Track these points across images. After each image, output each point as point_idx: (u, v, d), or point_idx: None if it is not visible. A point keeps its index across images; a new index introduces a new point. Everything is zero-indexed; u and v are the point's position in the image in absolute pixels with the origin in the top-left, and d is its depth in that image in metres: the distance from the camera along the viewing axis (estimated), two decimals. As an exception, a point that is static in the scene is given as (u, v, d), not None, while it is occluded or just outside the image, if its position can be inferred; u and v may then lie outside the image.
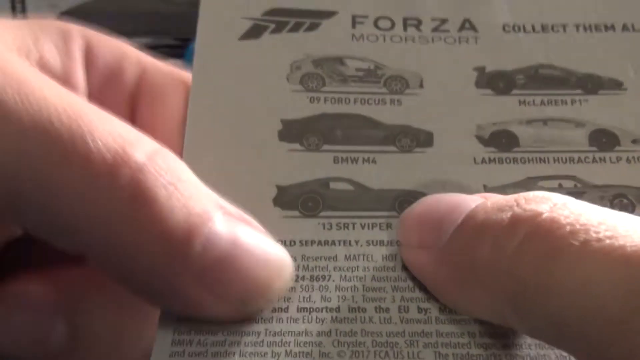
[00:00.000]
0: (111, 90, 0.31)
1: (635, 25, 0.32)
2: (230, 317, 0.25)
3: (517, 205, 0.23)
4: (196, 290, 0.24)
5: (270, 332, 0.25)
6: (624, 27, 0.32)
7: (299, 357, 0.24)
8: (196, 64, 0.30)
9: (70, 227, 0.24)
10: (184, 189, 0.24)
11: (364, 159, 0.29)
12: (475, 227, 0.24)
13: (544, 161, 0.29)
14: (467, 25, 0.32)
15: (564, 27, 0.32)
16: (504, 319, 0.23)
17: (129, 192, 0.23)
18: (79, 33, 0.31)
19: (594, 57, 0.31)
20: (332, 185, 0.28)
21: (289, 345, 0.24)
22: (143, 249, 0.23)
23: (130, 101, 0.32)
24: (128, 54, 0.32)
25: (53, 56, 0.29)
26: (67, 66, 0.30)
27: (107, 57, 0.31)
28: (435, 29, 0.32)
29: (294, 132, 0.29)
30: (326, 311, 0.25)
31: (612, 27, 0.32)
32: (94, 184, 0.23)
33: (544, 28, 0.32)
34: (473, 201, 0.25)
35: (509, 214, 0.23)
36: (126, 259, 0.24)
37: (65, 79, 0.29)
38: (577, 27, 0.32)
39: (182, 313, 0.25)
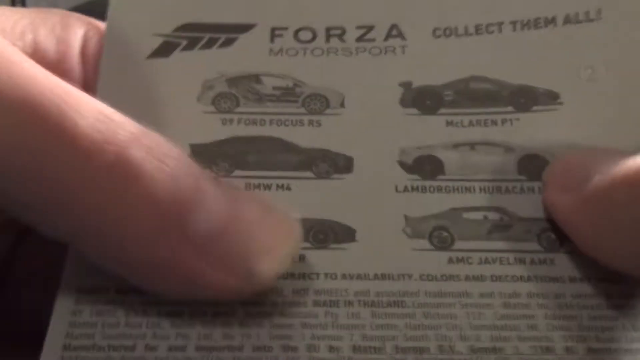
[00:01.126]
0: None
1: (579, 15, 0.29)
2: (240, 290, 0.23)
3: None
4: (197, 262, 0.23)
5: None
6: (566, 19, 0.29)
7: None
8: (100, 85, 0.28)
9: (56, 207, 0.23)
10: (172, 163, 0.23)
11: (277, 185, 0.27)
12: (635, 184, 0.23)
13: (470, 190, 0.27)
14: (394, 32, 0.30)
15: (500, 26, 0.30)
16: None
17: (116, 168, 0.23)
18: (79, 21, 0.30)
19: (530, 63, 0.29)
20: None
21: None
22: (136, 226, 0.23)
23: None
24: None
25: (49, 41, 0.28)
26: (63, 52, 0.29)
27: None
28: (359, 38, 0.30)
29: (204, 157, 0.27)
30: (228, 350, 0.23)
31: (553, 21, 0.29)
32: (81, 161, 0.22)
33: (477, 29, 0.30)
34: (625, 155, 0.24)
35: None
36: (118, 238, 0.23)
37: (58, 65, 0.28)
38: (514, 25, 0.29)
39: (186, 292, 0.24)
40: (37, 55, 0.27)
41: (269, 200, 0.25)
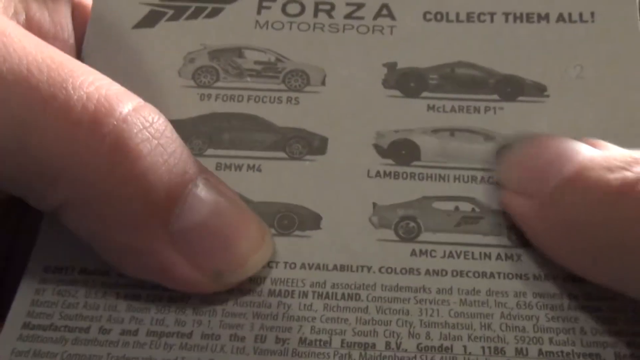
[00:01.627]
0: None
1: (572, 16, 0.29)
2: (204, 287, 0.24)
3: (629, 167, 0.22)
4: (171, 254, 0.23)
5: (115, 356, 0.23)
6: (560, 18, 0.29)
7: None
8: (83, 55, 0.28)
9: (47, 176, 0.23)
10: (167, 144, 0.23)
11: (248, 166, 0.27)
12: (582, 186, 0.23)
13: (444, 179, 0.26)
14: (384, 11, 0.29)
15: (492, 16, 0.29)
16: (601, 277, 0.23)
17: (110, 142, 0.22)
18: None
19: (519, 54, 0.28)
20: None
21: None
22: (121, 204, 0.23)
23: None
24: None
25: (42, 14, 0.28)
26: (56, 23, 0.29)
27: None
28: (348, 15, 0.29)
29: (179, 134, 0.27)
30: (177, 336, 0.24)
31: (546, 18, 0.29)
32: (74, 132, 0.22)
33: (469, 17, 0.29)
34: (578, 152, 0.24)
35: (619, 178, 0.22)
36: (102, 214, 0.23)
37: (55, 36, 0.28)
38: (507, 16, 0.29)
39: (153, 278, 0.24)
40: (32, 29, 0.27)
41: (245, 204, 0.25)
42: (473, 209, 0.26)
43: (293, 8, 0.29)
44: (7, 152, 0.23)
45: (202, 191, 0.24)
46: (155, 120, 0.24)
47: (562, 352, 0.23)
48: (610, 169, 0.22)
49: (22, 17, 0.27)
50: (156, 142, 0.23)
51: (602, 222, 0.22)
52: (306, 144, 0.27)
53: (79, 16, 0.29)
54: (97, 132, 0.22)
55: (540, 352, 0.23)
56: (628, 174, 0.22)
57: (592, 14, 0.29)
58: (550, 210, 0.24)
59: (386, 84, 0.28)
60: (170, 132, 0.24)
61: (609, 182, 0.22)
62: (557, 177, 0.23)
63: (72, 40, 0.29)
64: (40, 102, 0.22)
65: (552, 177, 0.24)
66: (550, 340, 0.23)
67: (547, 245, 0.24)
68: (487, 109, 0.27)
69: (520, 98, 0.27)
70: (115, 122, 0.23)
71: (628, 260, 0.22)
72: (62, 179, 0.23)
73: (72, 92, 0.23)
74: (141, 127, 0.23)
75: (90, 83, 0.23)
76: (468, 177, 0.26)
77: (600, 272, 0.23)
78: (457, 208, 0.26)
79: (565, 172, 0.23)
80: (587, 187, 0.23)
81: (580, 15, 0.29)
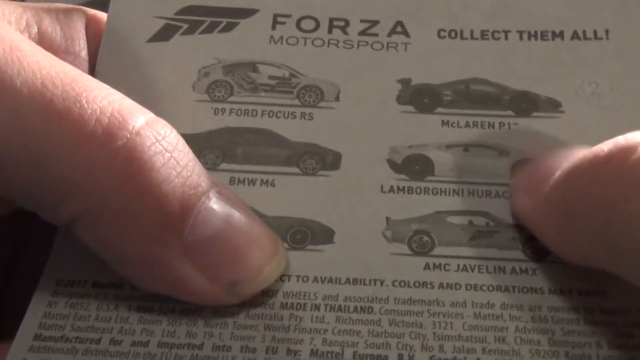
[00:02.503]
0: None
1: (587, 33, 0.29)
2: (217, 299, 0.24)
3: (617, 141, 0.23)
4: (185, 266, 0.23)
5: None
6: (574, 35, 0.29)
7: None
8: (97, 68, 0.28)
9: (60, 189, 0.23)
10: (180, 158, 0.23)
11: (262, 180, 0.27)
12: (573, 172, 0.23)
13: (457, 193, 0.26)
14: (398, 28, 0.29)
15: (506, 34, 0.29)
16: (598, 261, 0.23)
17: (123, 155, 0.23)
18: (81, 11, 0.30)
19: (534, 70, 0.28)
20: None
21: None
22: (135, 216, 0.23)
23: None
24: None
25: (54, 29, 0.28)
26: (69, 38, 0.29)
27: None
28: (363, 32, 0.29)
29: (193, 148, 0.27)
30: (188, 348, 0.24)
31: (561, 35, 0.29)
32: (88, 145, 0.23)
33: (483, 35, 0.29)
34: (579, 151, 0.24)
35: (606, 148, 0.23)
36: (115, 226, 0.23)
37: (66, 50, 0.29)
38: (521, 34, 0.29)
39: (168, 291, 0.24)
40: (44, 44, 0.27)
41: (257, 216, 0.25)
42: (487, 223, 0.26)
43: (307, 24, 0.29)
44: (21, 164, 0.23)
45: (215, 204, 0.24)
46: (168, 134, 0.24)
47: None
48: (601, 149, 0.23)
49: (34, 30, 0.28)
50: (169, 155, 0.23)
51: (592, 191, 0.22)
52: (320, 160, 0.27)
53: (93, 30, 0.29)
54: (110, 145, 0.23)
55: None
56: (617, 143, 0.22)
57: (607, 31, 0.29)
58: (554, 202, 0.24)
59: (400, 99, 0.28)
60: (182, 145, 0.24)
61: (598, 154, 0.22)
62: (562, 171, 0.24)
63: (84, 54, 0.29)
64: (54, 115, 0.23)
65: (553, 173, 0.24)
66: (566, 354, 0.23)
67: (553, 239, 0.24)
68: (501, 125, 0.27)
69: (534, 114, 0.27)
70: (128, 135, 0.23)
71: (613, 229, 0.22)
72: (76, 191, 0.23)
73: (85, 106, 0.23)
74: (154, 140, 0.23)
75: (103, 97, 0.23)
76: (482, 191, 0.26)
77: (595, 254, 0.23)
78: (471, 222, 0.26)
79: (567, 164, 0.24)
80: (576, 170, 0.23)
81: (595, 32, 0.29)
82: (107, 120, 0.23)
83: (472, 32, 0.29)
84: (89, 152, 0.23)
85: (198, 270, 0.23)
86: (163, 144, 0.23)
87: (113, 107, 0.23)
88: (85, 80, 0.24)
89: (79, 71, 0.24)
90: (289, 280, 0.25)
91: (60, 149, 0.23)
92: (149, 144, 0.23)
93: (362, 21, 0.29)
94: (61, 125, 0.23)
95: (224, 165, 0.27)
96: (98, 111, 0.23)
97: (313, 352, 0.23)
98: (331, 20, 0.29)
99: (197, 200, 0.23)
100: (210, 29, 0.29)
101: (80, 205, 0.23)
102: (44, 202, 0.24)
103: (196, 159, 0.24)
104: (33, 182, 0.23)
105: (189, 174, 0.24)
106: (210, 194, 0.24)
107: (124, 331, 0.24)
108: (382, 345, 0.24)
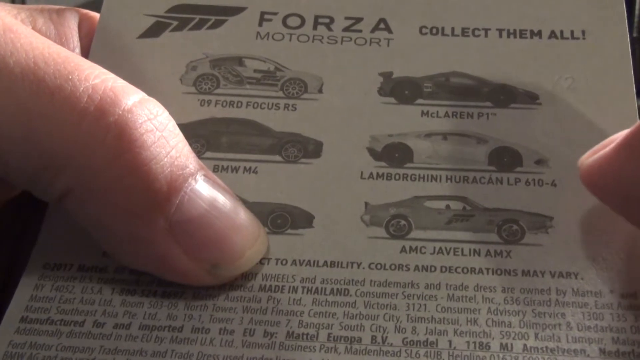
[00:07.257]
0: None
1: (564, 33, 0.29)
2: (199, 279, 0.24)
3: None
4: (170, 245, 0.24)
5: (107, 349, 0.24)
6: (552, 34, 0.29)
7: None
8: None
9: (52, 165, 0.24)
10: (170, 137, 0.24)
11: (245, 168, 0.27)
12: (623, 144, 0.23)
13: (435, 179, 0.27)
14: (381, 25, 0.30)
15: (486, 31, 0.30)
16: None
17: (115, 131, 0.23)
18: (74, 10, 0.31)
19: (512, 66, 0.29)
20: None
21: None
22: (124, 192, 0.23)
23: None
24: None
25: (47, 27, 0.29)
26: (63, 35, 0.30)
27: None
28: (346, 29, 0.30)
29: None
30: (168, 330, 0.24)
31: (539, 34, 0.29)
32: (80, 121, 0.23)
33: (464, 32, 0.30)
34: None
35: None
36: (105, 202, 0.24)
37: (59, 43, 0.29)
38: (500, 32, 0.30)
39: (151, 269, 0.25)
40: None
41: (242, 204, 0.25)
42: (464, 207, 0.26)
43: (293, 21, 0.30)
44: (14, 141, 0.23)
45: (201, 186, 0.24)
46: (160, 114, 0.24)
47: (546, 347, 0.23)
48: None
49: (28, 24, 0.28)
50: (160, 134, 0.24)
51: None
52: (302, 148, 0.28)
53: (85, 28, 0.30)
54: (102, 121, 0.23)
55: (525, 347, 0.23)
56: None
57: (583, 32, 0.29)
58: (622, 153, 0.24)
59: (381, 91, 0.29)
60: (173, 126, 0.25)
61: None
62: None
63: (77, 51, 0.30)
64: (47, 93, 0.23)
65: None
66: (536, 336, 0.23)
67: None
68: (480, 115, 0.28)
69: (512, 105, 0.28)
70: (120, 112, 0.23)
71: None
72: (68, 167, 0.23)
73: (78, 83, 0.23)
74: (146, 118, 0.24)
75: (96, 76, 0.24)
76: (460, 177, 0.27)
77: None
78: (448, 207, 0.26)
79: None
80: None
81: (572, 32, 0.29)
82: (99, 98, 0.23)
83: (453, 29, 0.30)
84: (81, 128, 0.23)
85: (182, 249, 0.24)
86: (154, 122, 0.24)
87: (106, 86, 0.24)
88: (79, 60, 0.24)
89: (72, 53, 0.25)
90: (268, 264, 0.25)
91: (53, 125, 0.23)
92: (140, 121, 0.24)
93: (346, 18, 0.30)
94: (53, 102, 0.23)
95: (208, 154, 0.28)
96: (90, 89, 0.23)
97: (289, 334, 0.24)
98: (316, 17, 0.30)
99: (184, 181, 0.24)
100: (199, 26, 0.30)
101: (72, 179, 0.24)
102: (36, 178, 0.24)
103: (185, 141, 0.25)
104: (26, 157, 0.24)
105: (177, 154, 0.24)
106: (198, 176, 0.24)
107: (107, 314, 0.24)
108: (356, 327, 0.24)
